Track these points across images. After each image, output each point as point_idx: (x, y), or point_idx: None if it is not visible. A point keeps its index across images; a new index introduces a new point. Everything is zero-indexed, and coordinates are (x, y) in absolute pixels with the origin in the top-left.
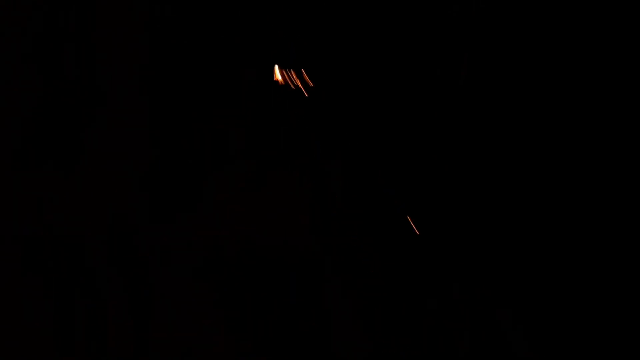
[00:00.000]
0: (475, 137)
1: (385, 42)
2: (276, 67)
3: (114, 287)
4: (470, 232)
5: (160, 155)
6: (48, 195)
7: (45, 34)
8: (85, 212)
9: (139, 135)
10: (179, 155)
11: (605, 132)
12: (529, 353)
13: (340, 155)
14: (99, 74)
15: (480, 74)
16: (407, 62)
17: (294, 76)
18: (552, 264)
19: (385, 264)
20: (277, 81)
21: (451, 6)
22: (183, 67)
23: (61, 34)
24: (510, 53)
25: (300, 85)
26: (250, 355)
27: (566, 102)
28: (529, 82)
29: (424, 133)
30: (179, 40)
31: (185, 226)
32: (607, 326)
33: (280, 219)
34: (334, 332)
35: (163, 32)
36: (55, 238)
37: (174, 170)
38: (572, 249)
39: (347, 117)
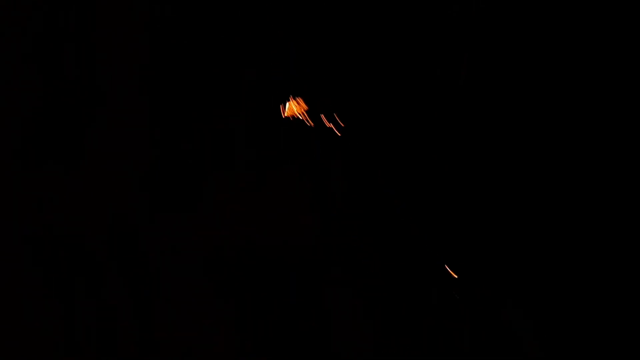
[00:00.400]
0: (475, 137)
1: (385, 42)
2: (290, 102)
3: (114, 287)
4: (470, 232)
5: (160, 155)
6: (48, 195)
7: (45, 34)
8: (86, 212)
9: (139, 135)
10: (179, 155)
11: (605, 132)
12: (529, 352)
13: (340, 155)
14: (99, 74)
15: (480, 74)
16: (408, 62)
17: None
18: (553, 264)
19: (385, 264)
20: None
21: (451, 6)
22: (183, 67)
23: (61, 34)
24: (510, 53)
25: (326, 122)
26: (250, 355)
27: (566, 101)
28: (528, 82)
29: (424, 133)
30: (179, 40)
31: (185, 226)
32: (607, 326)
33: (280, 219)
34: (334, 332)
35: (163, 32)
36: (56, 238)
37: (174, 170)
38: (572, 248)
39: (347, 117)
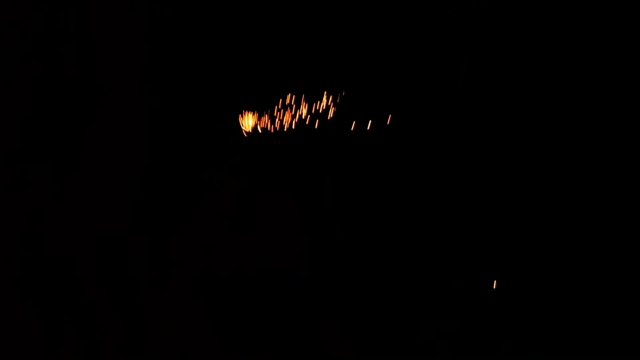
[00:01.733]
0: (475, 137)
1: (386, 42)
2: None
3: (112, 287)
4: (469, 232)
5: (160, 155)
6: (47, 194)
7: (45, 34)
8: (85, 212)
9: (139, 135)
10: (179, 155)
11: (604, 132)
12: (528, 353)
13: (340, 155)
14: (99, 74)
15: (480, 74)
16: (408, 62)
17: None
18: (552, 264)
19: (385, 264)
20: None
21: (451, 6)
22: (183, 67)
23: (61, 34)
24: (510, 53)
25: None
26: (249, 357)
27: (566, 101)
28: (528, 82)
29: (424, 133)
30: (179, 40)
31: (184, 226)
32: (606, 326)
33: (280, 219)
34: (334, 333)
35: (163, 32)
36: (54, 238)
37: (174, 171)
38: (571, 248)
39: (347, 117)
